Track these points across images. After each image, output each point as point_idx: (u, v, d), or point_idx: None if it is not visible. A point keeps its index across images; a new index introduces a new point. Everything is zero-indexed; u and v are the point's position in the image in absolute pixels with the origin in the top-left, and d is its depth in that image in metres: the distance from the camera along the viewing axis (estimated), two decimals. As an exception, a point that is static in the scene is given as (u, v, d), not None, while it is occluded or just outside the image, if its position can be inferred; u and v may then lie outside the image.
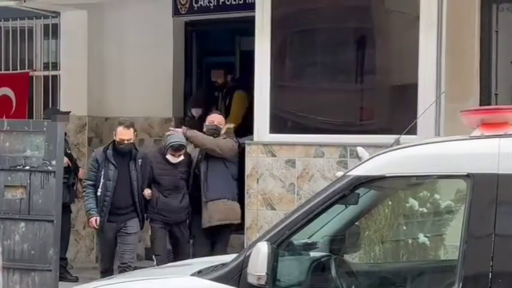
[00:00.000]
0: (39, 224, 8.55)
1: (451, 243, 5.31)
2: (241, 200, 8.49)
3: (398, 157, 4.30)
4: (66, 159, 9.61)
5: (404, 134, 5.47)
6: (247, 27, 8.56)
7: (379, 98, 8.41)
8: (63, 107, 10.71)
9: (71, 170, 9.91)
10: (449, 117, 7.44)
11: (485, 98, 8.04)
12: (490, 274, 3.89)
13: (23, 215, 8.57)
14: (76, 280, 9.70)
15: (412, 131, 6.46)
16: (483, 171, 3.99)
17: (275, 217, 7.63)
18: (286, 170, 8.08)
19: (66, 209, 10.00)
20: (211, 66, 11.09)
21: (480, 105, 7.71)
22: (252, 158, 8.23)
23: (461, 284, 3.94)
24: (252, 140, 8.37)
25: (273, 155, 8.13)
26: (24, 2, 9.49)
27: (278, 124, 8.28)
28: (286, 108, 8.40)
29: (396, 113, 7.97)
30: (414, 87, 7.75)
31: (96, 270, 9.91)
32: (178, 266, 5.47)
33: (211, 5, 10.00)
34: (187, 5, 10.23)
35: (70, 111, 10.24)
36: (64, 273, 9.97)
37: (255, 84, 8.39)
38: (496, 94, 8.11)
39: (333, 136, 8.01)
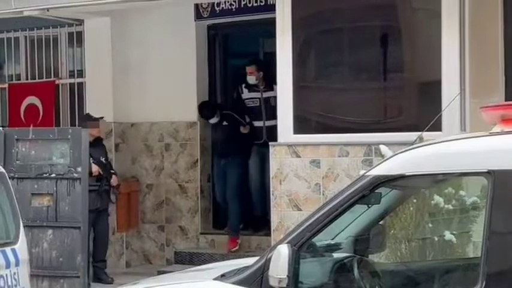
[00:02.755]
0: (67, 231, 8.61)
1: (477, 239, 5.26)
2: (267, 202, 8.48)
3: (418, 156, 4.27)
4: (96, 168, 9.68)
5: (429, 130, 5.43)
6: (270, 29, 8.54)
7: (403, 95, 8.38)
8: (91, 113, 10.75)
9: (103, 177, 9.93)
10: (474, 113, 7.37)
11: (511, 92, 7.97)
12: (515, 271, 3.87)
13: (50, 222, 8.63)
14: (111, 282, 9.78)
15: (437, 127, 6.44)
16: (504, 167, 3.95)
17: (301, 218, 7.51)
18: (311, 170, 8.05)
19: (103, 214, 10.13)
20: (235, 69, 11.10)
21: (506, 100, 7.65)
22: (277, 159, 8.21)
23: (484, 282, 3.90)
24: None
25: (298, 156, 8.11)
26: (48, 11, 9.53)
27: (302, 124, 8.25)
28: (309, 108, 8.39)
29: (421, 110, 7.92)
30: (438, 83, 7.70)
31: (127, 275, 9.96)
32: (201, 270, 5.47)
33: (232, 7, 10.02)
34: (209, 9, 10.25)
35: (102, 117, 10.33)
36: (102, 275, 10.08)
37: (277, 85, 8.38)
38: (521, 90, 8.06)
39: (357, 135, 7.98)
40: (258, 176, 10.03)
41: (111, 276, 10.02)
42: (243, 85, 10.31)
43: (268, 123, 9.86)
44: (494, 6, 8.10)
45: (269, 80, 9.91)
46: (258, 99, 10.08)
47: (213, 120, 10.41)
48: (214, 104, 10.50)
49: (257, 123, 10.11)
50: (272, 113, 9.58)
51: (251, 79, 10.06)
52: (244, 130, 10.24)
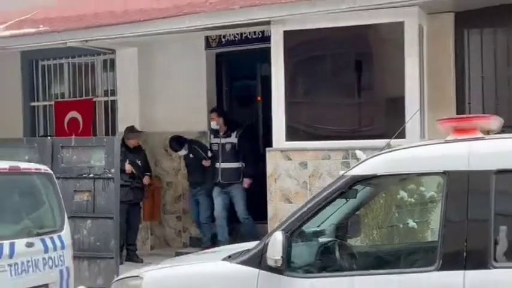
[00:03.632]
0: (102, 220, 8.60)
1: (434, 227, 5.27)
2: (264, 197, 8.48)
3: (387, 159, 4.27)
4: (129, 167, 9.77)
5: (396, 138, 5.43)
6: (266, 56, 8.54)
7: (374, 110, 8.37)
8: (120, 126, 10.74)
9: (135, 176, 9.94)
10: (431, 125, 7.40)
11: (461, 107, 7.99)
12: (465, 253, 3.86)
13: (89, 213, 8.62)
14: (141, 261, 9.71)
15: (402, 135, 6.44)
16: (456, 168, 3.97)
17: (292, 209, 7.50)
18: (299, 170, 8.06)
19: (135, 206, 10.18)
20: (237, 89, 11.11)
21: (456, 113, 7.67)
22: (272, 162, 8.21)
23: (441, 262, 3.91)
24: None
25: (289, 159, 8.12)
26: (87, 42, 9.54)
27: (292, 133, 8.24)
28: (298, 120, 8.37)
29: (388, 121, 7.91)
30: (402, 100, 7.71)
31: (151, 256, 9.95)
32: (212, 252, 5.47)
33: (236, 38, 10.00)
34: (217, 40, 10.23)
35: (142, 131, 10.41)
36: (133, 256, 10.06)
37: (272, 101, 8.35)
38: (469, 103, 8.07)
39: (337, 142, 7.96)
40: (219, 207, 9.75)
41: (141, 258, 10.01)
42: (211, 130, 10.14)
43: (223, 165, 9.63)
44: (447, 39, 8.14)
45: (231, 126, 9.75)
46: (217, 144, 9.80)
47: (182, 153, 10.20)
48: (183, 138, 10.20)
49: (216, 165, 9.77)
50: (226, 158, 9.58)
51: (213, 124, 9.77)
52: (206, 163, 9.96)
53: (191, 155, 10.16)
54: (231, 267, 4.40)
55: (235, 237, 9.61)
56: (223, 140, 9.72)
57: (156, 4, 9.11)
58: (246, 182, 9.59)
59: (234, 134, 9.65)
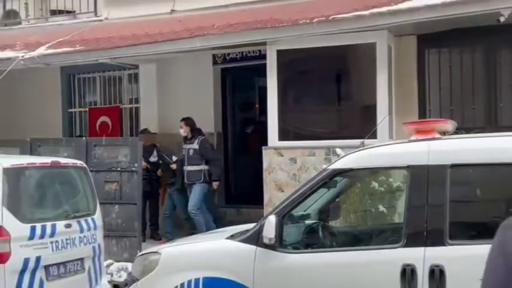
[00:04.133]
0: (127, 206, 8.63)
1: (400, 211, 5.28)
2: (261, 187, 8.48)
3: (362, 155, 4.29)
4: (145, 164, 9.62)
5: (368, 138, 5.44)
6: (263, 71, 8.54)
7: (351, 115, 8.38)
8: (142, 127, 10.78)
9: (149, 170, 9.90)
10: (398, 127, 7.41)
11: (422, 113, 8.01)
12: (425, 232, 3.88)
13: (116, 200, 8.66)
14: (160, 239, 9.68)
15: (374, 136, 6.44)
16: (418, 163, 3.99)
17: (283, 197, 7.54)
18: (290, 165, 8.06)
19: (155, 194, 10.16)
20: (239, 98, 11.12)
21: (419, 118, 7.68)
22: (267, 158, 8.22)
23: (405, 240, 3.93)
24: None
25: (281, 155, 8.12)
26: (115, 59, 9.55)
27: (284, 134, 8.24)
28: (289, 123, 8.36)
29: (363, 124, 7.89)
30: (374, 107, 7.72)
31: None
32: (217, 232, 5.49)
33: (238, 56, 9.99)
34: (222, 57, 10.22)
35: (155, 133, 10.38)
36: (155, 235, 10.06)
37: (268, 107, 8.35)
38: (429, 110, 8.08)
39: (321, 141, 7.96)
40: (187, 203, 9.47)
41: (160, 236, 10.02)
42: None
43: (188, 168, 9.38)
44: (411, 57, 8.15)
45: (194, 133, 9.50)
46: (184, 149, 9.54)
47: (152, 159, 9.99)
48: (151, 147, 9.98)
49: (183, 167, 9.49)
50: (190, 161, 9.35)
51: (181, 132, 9.53)
52: (173, 167, 9.76)
53: (160, 161, 10.04)
54: (234, 244, 4.42)
55: (184, 230, 9.57)
56: (188, 146, 9.48)
57: (172, 28, 9.11)
58: (215, 184, 9.37)
59: (196, 141, 9.41)
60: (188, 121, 9.58)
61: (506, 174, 4.03)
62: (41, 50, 9.43)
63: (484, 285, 1.09)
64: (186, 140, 9.57)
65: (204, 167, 9.35)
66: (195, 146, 9.43)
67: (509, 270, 1.02)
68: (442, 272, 3.76)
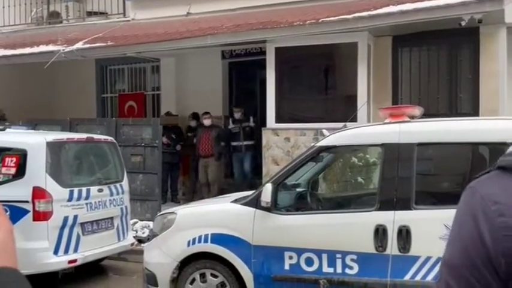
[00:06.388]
0: (150, 175, 8.65)
1: (375, 181, 5.28)
2: (260, 160, 8.48)
3: (344, 135, 4.28)
4: (166, 139, 9.56)
5: (349, 121, 5.42)
6: (263, 64, 8.48)
7: (336, 102, 8.34)
8: (163, 111, 10.74)
9: (170, 145, 9.81)
10: (375, 112, 7.38)
11: (395, 101, 7.97)
12: (395, 199, 3.88)
13: (140, 170, 8.67)
14: (179, 202, 9.56)
15: (355, 120, 6.42)
16: (390, 142, 3.98)
17: (278, 169, 7.56)
18: (284, 143, 8.05)
19: (175, 165, 10.10)
20: (243, 87, 11.05)
21: (392, 105, 7.64)
22: (266, 137, 8.20)
23: (379, 205, 3.94)
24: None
25: (277, 135, 8.10)
26: (140, 53, 9.49)
27: (280, 117, 8.20)
28: (284, 109, 8.33)
29: (345, 110, 7.84)
30: (355, 96, 7.69)
31: (183, 200, 9.95)
32: (223, 197, 5.50)
33: (242, 52, 9.92)
34: (229, 53, 10.17)
35: (177, 115, 10.34)
36: (175, 199, 10.01)
37: (267, 95, 8.31)
38: (401, 98, 8.04)
39: (311, 124, 7.92)
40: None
41: (179, 200, 10.02)
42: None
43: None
44: (387, 54, 8.09)
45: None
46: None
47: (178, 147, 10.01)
48: (174, 127, 10.04)
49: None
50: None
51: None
52: (177, 147, 9.93)
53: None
54: (237, 207, 4.44)
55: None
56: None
57: (188, 27, 9.04)
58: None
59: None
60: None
61: (462, 152, 4.03)
62: (79, 45, 9.37)
63: (453, 245, 0.94)
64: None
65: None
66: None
67: (478, 233, 0.89)
68: (408, 232, 3.78)
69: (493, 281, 0.86)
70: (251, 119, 9.58)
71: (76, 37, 9.88)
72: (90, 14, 11.45)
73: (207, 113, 9.83)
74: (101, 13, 11.20)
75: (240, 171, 9.66)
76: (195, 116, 10.16)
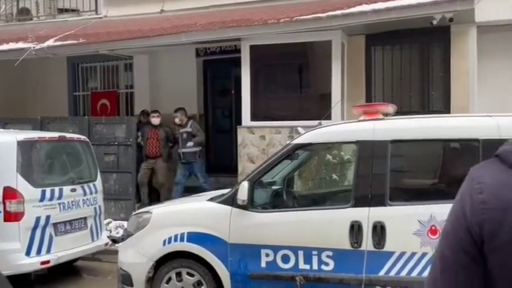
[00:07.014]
0: (123, 174, 8.55)
1: (349, 178, 5.32)
2: (236, 158, 8.45)
3: (319, 133, 4.30)
4: (140, 139, 9.38)
5: (324, 119, 5.44)
6: (238, 62, 8.45)
7: (311, 100, 8.36)
8: (136, 111, 10.59)
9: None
10: (349, 110, 7.44)
11: (369, 98, 8.05)
12: (370, 195, 3.92)
13: (114, 169, 8.57)
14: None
15: (329, 117, 6.46)
16: (365, 139, 4.01)
17: (254, 167, 7.54)
18: (260, 141, 8.04)
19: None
20: (217, 85, 11.01)
21: (366, 103, 7.71)
22: (241, 135, 8.17)
23: (354, 201, 3.97)
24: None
25: (252, 133, 8.09)
26: (113, 51, 9.35)
27: (255, 115, 8.18)
28: (259, 106, 8.31)
29: (320, 108, 7.87)
30: (329, 94, 7.72)
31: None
32: (199, 195, 5.47)
33: (217, 50, 9.87)
34: (204, 51, 10.10)
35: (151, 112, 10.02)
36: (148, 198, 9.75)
37: (242, 93, 8.28)
38: (374, 96, 8.13)
39: (286, 122, 7.92)
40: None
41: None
42: None
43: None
44: (360, 53, 8.16)
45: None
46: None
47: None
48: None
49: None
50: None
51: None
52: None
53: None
54: (213, 205, 4.42)
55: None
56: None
57: (161, 25, 8.95)
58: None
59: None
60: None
61: (434, 148, 4.10)
62: (50, 42, 9.19)
63: (448, 218, 1.11)
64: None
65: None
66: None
67: (462, 208, 1.07)
68: (382, 227, 3.82)
69: (471, 248, 1.05)
70: (189, 123, 9.05)
71: (47, 34, 9.69)
72: (62, 11, 11.25)
73: (155, 111, 9.38)
74: (73, 10, 11.02)
75: (179, 180, 9.02)
76: (146, 113, 9.82)
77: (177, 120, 9.12)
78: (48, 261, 5.65)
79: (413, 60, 7.98)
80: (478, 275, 1.06)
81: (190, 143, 8.98)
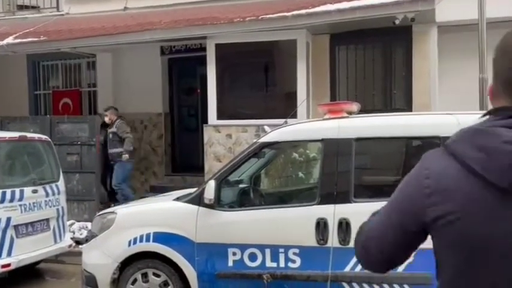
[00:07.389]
0: (87, 175, 8.40)
1: (315, 176, 5.37)
2: (202, 157, 8.41)
3: (285, 131, 4.32)
4: (102, 138, 9.28)
5: (290, 118, 5.46)
6: (203, 61, 8.41)
7: (276, 99, 8.40)
8: (99, 109, 10.39)
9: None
10: (314, 108, 7.51)
11: (333, 97, 8.15)
12: (335, 193, 3.96)
13: (77, 169, 8.41)
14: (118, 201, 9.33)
15: (294, 116, 6.48)
16: (330, 137, 4.05)
17: (221, 166, 7.52)
18: (226, 140, 8.03)
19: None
20: (183, 84, 10.93)
21: (330, 101, 7.80)
22: (207, 133, 8.15)
23: (319, 199, 4.01)
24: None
25: (219, 132, 8.07)
26: (75, 49, 9.16)
27: (221, 114, 8.16)
28: (225, 105, 8.30)
29: (286, 107, 7.93)
30: (295, 93, 7.78)
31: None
32: (165, 195, 5.42)
33: (182, 48, 9.81)
34: (169, 49, 10.00)
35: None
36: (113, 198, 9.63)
37: (208, 92, 8.25)
38: (339, 95, 8.22)
39: (252, 120, 7.94)
40: None
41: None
42: None
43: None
44: (325, 52, 8.25)
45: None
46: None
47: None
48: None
49: None
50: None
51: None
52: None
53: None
54: (180, 205, 4.39)
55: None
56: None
57: (125, 22, 8.82)
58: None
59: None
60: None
61: (397, 146, 4.17)
62: (9, 40, 8.94)
63: (396, 193, 1.30)
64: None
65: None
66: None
67: (409, 189, 1.25)
68: (348, 224, 3.87)
69: (414, 226, 1.25)
70: (115, 123, 8.75)
71: (6, 32, 9.42)
72: (21, 7, 10.95)
73: (108, 109, 9.07)
74: (33, 7, 10.74)
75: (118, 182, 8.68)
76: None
77: (106, 119, 8.92)
78: (9, 265, 5.50)
79: (377, 60, 8.12)
80: (411, 243, 1.30)
81: (119, 149, 8.65)
